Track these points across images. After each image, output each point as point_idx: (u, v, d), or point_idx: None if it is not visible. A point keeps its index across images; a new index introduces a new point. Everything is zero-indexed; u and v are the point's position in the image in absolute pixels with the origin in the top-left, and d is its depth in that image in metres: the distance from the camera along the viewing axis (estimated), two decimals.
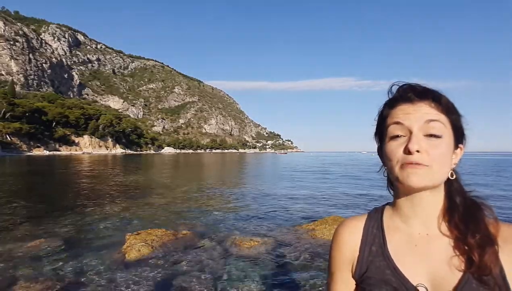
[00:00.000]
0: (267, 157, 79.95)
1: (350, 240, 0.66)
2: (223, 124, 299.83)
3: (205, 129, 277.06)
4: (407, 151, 0.56)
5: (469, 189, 0.62)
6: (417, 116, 0.56)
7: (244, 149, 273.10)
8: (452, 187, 0.61)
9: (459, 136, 0.60)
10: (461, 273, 0.55)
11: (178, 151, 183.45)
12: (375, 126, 0.66)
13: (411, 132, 0.56)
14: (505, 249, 0.55)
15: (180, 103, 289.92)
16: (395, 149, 0.58)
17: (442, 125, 0.56)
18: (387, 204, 0.69)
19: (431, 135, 0.56)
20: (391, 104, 0.61)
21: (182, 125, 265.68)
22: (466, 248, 0.56)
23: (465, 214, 0.59)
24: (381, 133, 0.63)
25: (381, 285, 0.59)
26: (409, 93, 0.59)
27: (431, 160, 0.55)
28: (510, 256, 0.55)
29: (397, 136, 0.58)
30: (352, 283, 0.65)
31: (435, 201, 0.60)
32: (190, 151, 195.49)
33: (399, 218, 0.63)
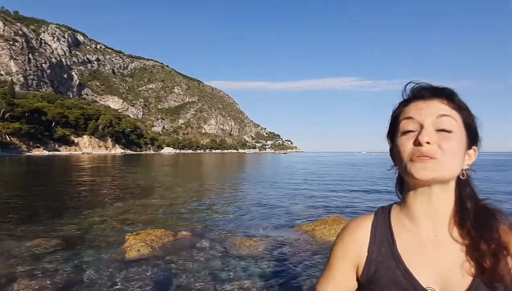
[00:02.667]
0: (266, 157, 79.97)
1: (358, 240, 0.65)
2: (223, 125, 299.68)
3: (204, 129, 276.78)
4: (417, 143, 0.55)
5: (483, 196, 0.61)
6: (429, 111, 0.57)
7: (244, 149, 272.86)
8: (465, 192, 0.60)
9: (472, 136, 0.59)
10: (470, 279, 0.54)
11: (177, 151, 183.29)
12: (387, 127, 0.66)
13: (422, 127, 0.56)
14: None
15: (179, 103, 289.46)
16: (406, 142, 0.58)
17: (454, 120, 0.56)
18: (394, 203, 0.68)
19: (442, 130, 0.55)
20: (404, 103, 0.62)
21: (182, 126, 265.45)
22: (477, 254, 0.55)
23: (477, 221, 0.57)
24: (393, 133, 0.63)
25: (390, 286, 0.58)
26: (422, 91, 0.60)
27: (441, 152, 0.55)
28: None
29: (409, 131, 0.58)
30: (349, 278, 0.65)
31: (445, 201, 0.59)
32: (190, 151, 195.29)
33: (407, 218, 0.62)
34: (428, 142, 0.55)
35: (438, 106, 0.57)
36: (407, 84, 0.63)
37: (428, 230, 0.60)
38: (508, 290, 0.52)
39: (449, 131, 0.55)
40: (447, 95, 0.58)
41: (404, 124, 0.59)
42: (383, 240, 0.63)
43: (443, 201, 0.59)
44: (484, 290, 0.53)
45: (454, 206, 0.60)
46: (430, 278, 0.57)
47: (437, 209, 0.59)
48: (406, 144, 0.58)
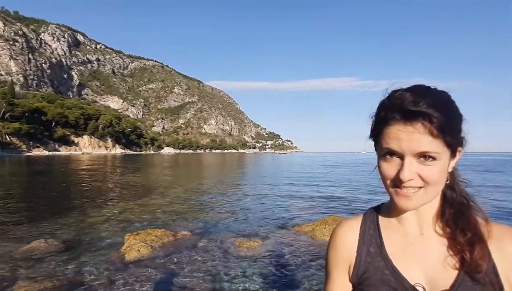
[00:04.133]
0: (266, 157, 79.92)
1: (347, 242, 0.66)
2: (223, 125, 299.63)
3: (204, 129, 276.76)
4: (399, 179, 0.55)
5: (464, 184, 0.63)
6: (410, 144, 0.54)
7: (244, 149, 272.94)
8: (446, 183, 0.60)
9: (456, 149, 0.58)
10: (456, 272, 0.56)
11: (177, 151, 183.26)
12: (370, 125, 0.63)
13: (403, 158, 0.55)
14: (497, 248, 0.56)
15: (179, 103, 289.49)
16: (388, 171, 0.57)
17: (437, 153, 0.54)
18: (382, 204, 0.69)
19: (425, 158, 0.54)
20: (383, 120, 0.58)
21: (182, 126, 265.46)
22: (459, 247, 0.57)
23: (455, 212, 0.60)
24: (375, 137, 0.61)
25: (379, 286, 0.59)
26: (398, 114, 0.55)
27: (425, 182, 0.55)
28: (502, 255, 0.56)
29: (390, 156, 0.57)
30: (349, 285, 0.65)
31: (432, 203, 0.60)
32: (190, 151, 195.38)
33: (394, 218, 0.64)
34: (410, 179, 0.54)
35: (419, 138, 0.53)
36: (390, 94, 0.58)
37: (414, 229, 0.62)
38: (491, 280, 0.54)
39: (433, 160, 0.54)
40: (426, 119, 0.52)
41: (385, 152, 0.58)
42: (371, 241, 0.64)
43: (430, 204, 0.60)
44: (469, 283, 0.54)
45: (439, 201, 0.62)
46: (417, 275, 0.58)
47: (424, 210, 0.61)
48: (388, 173, 0.57)
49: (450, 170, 0.59)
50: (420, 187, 0.55)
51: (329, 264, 0.68)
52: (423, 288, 0.57)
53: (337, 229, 0.69)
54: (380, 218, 0.67)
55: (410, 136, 0.53)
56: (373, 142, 0.63)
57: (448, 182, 0.60)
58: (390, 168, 0.57)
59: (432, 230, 0.61)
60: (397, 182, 0.56)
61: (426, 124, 0.52)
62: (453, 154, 0.57)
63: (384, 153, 0.58)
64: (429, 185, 0.55)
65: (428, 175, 0.54)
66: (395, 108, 0.55)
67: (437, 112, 0.52)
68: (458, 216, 0.59)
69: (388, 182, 0.58)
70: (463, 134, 0.58)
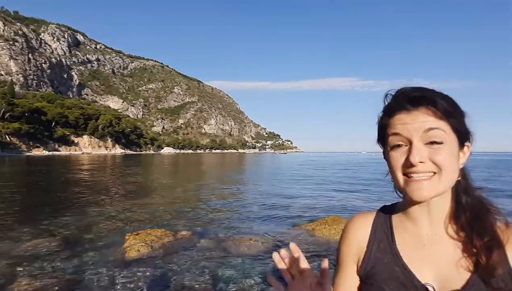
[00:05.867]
0: (266, 157, 79.92)
1: (359, 236, 0.67)
2: (223, 125, 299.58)
3: (204, 129, 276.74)
4: (410, 163, 0.54)
5: (478, 186, 0.62)
6: (415, 126, 0.55)
7: (244, 149, 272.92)
8: (460, 186, 0.60)
9: (463, 137, 0.58)
10: (468, 275, 0.55)
11: (177, 151, 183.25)
12: (376, 131, 0.64)
13: (411, 143, 0.55)
14: None
15: (179, 103, 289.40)
16: (397, 159, 0.57)
17: (442, 132, 0.54)
18: (396, 203, 0.68)
19: (432, 143, 0.54)
20: (388, 112, 0.60)
21: (182, 126, 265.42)
22: (473, 250, 0.56)
23: (472, 215, 0.58)
24: (383, 140, 0.62)
25: (388, 282, 0.59)
26: (403, 102, 0.57)
27: (436, 167, 0.54)
28: None
29: (398, 145, 0.57)
30: (358, 279, 0.66)
31: (443, 202, 0.59)
32: (190, 151, 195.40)
33: (407, 219, 0.63)
34: (420, 161, 0.54)
35: (424, 119, 0.55)
36: (387, 93, 0.62)
37: (427, 230, 0.61)
38: (506, 285, 0.53)
39: (440, 143, 0.54)
40: (430, 103, 0.55)
41: (393, 140, 0.58)
42: (383, 237, 0.65)
43: (441, 202, 0.59)
44: (481, 286, 0.53)
45: (451, 203, 0.60)
46: (428, 275, 0.58)
47: (435, 211, 0.60)
48: (398, 162, 0.57)
49: (461, 164, 0.59)
50: (433, 173, 0.54)
51: (340, 257, 0.69)
52: (433, 288, 0.57)
53: (349, 224, 0.70)
54: (393, 216, 0.66)
55: (415, 118, 0.55)
56: (376, 145, 0.63)
57: (460, 180, 0.60)
58: (398, 156, 0.57)
59: (445, 232, 0.60)
60: (407, 170, 0.55)
61: (430, 108, 0.55)
62: (461, 145, 0.58)
63: (392, 145, 0.58)
64: (442, 169, 0.54)
65: (439, 157, 0.54)
66: (400, 98, 0.58)
67: (441, 99, 0.56)
68: (475, 220, 0.58)
69: (398, 172, 0.57)
70: (470, 129, 0.59)
